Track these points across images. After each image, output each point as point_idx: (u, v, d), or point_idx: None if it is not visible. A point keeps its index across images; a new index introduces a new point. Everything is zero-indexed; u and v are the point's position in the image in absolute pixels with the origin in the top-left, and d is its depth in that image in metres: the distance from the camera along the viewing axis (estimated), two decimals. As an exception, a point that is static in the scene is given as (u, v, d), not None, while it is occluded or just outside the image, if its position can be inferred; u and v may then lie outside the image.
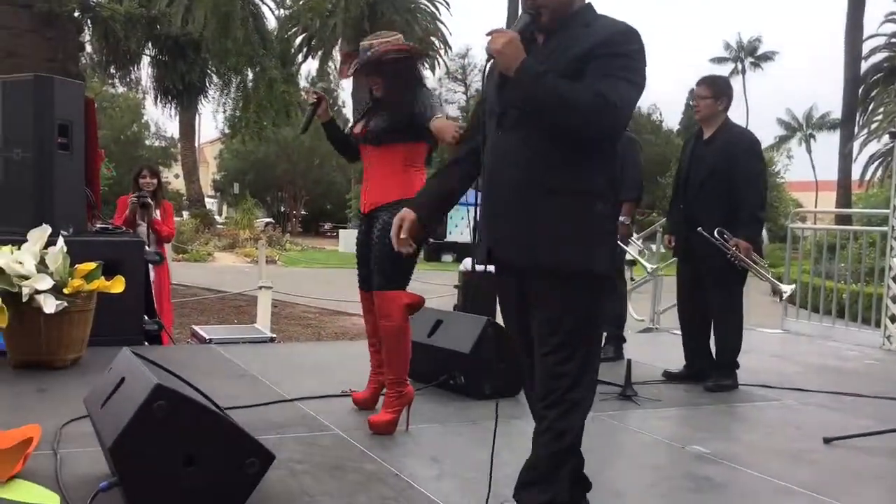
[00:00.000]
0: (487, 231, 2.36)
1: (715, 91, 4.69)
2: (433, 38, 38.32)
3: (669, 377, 4.84)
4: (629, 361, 4.43)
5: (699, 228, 4.56)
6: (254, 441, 2.43)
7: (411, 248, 2.49)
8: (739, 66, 57.34)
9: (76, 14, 9.76)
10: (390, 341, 3.49)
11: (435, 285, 10.43)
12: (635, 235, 5.77)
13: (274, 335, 6.53)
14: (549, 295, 2.26)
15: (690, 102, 5.05)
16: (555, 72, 2.17)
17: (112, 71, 18.87)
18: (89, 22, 12.32)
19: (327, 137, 3.87)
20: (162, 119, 70.09)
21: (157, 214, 6.52)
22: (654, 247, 8.16)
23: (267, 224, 38.31)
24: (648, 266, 5.78)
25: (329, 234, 42.69)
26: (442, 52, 39.64)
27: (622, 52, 2.17)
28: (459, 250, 25.48)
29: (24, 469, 2.61)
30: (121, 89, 30.66)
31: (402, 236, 2.41)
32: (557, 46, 2.25)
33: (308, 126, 3.89)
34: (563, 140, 2.20)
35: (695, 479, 3.09)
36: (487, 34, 2.22)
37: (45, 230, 4.40)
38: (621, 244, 5.21)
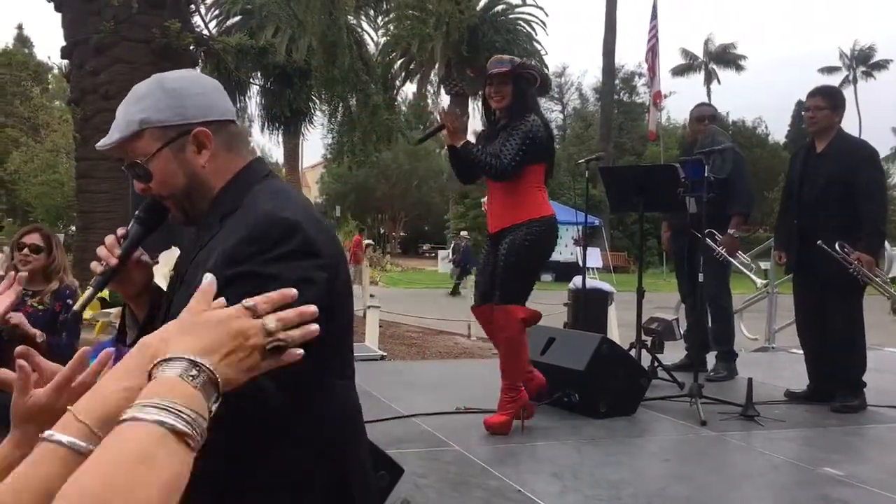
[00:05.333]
0: None
1: (833, 102, 4.56)
2: (531, 59, 38.42)
3: (792, 397, 4.66)
4: (750, 380, 4.29)
5: (819, 242, 4.40)
6: (384, 455, 2.47)
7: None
8: (851, 76, 55.14)
9: (191, 48, 10.23)
10: (506, 351, 3.67)
11: (541, 304, 10.38)
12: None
13: (384, 353, 6.64)
14: None
15: (803, 113, 4.83)
16: None
17: (223, 100, 19.72)
18: (202, 55, 12.90)
19: (452, 158, 3.81)
20: (266, 145, 72.59)
21: None
22: (764, 264, 7.88)
23: (367, 246, 39.03)
24: (758, 281, 5.57)
25: (428, 254, 43.07)
26: (539, 71, 39.68)
27: (243, 270, 1.25)
28: (559, 269, 25.34)
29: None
30: (229, 118, 32.02)
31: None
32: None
33: (424, 140, 3.99)
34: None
35: (829, 501, 2.97)
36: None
37: (174, 252, 4.59)
38: (728, 257, 5.08)
